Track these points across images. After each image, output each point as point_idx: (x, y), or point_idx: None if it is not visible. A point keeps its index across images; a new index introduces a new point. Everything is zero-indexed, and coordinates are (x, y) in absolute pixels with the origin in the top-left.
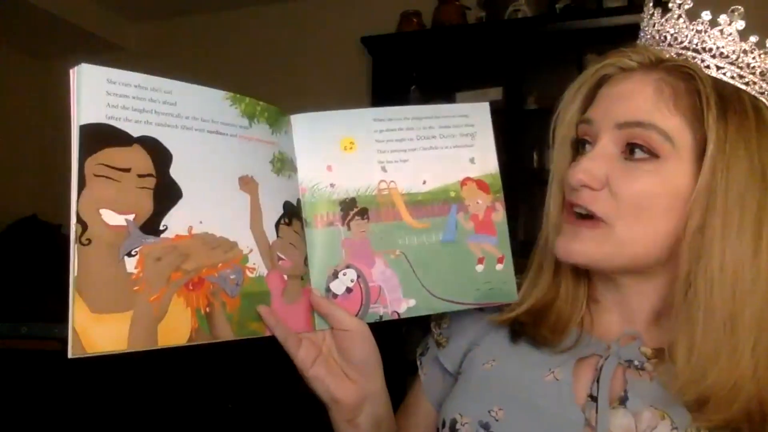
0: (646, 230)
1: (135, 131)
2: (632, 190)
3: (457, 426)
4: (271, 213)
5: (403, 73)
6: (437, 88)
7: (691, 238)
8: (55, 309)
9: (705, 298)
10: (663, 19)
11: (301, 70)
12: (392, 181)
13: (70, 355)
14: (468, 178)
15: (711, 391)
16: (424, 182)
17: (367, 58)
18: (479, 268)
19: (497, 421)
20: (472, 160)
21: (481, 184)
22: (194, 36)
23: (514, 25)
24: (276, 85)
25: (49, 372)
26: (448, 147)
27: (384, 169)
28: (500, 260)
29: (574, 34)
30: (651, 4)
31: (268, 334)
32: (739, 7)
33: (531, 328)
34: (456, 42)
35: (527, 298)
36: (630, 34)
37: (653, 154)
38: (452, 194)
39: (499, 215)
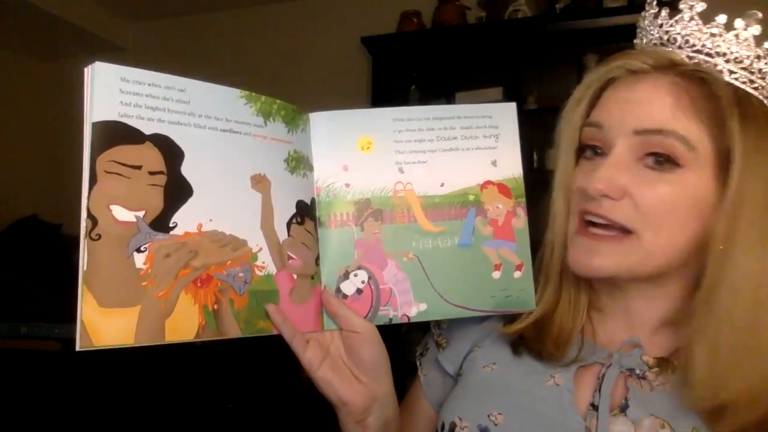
0: (669, 239)
1: (147, 129)
2: (654, 199)
3: (456, 429)
4: (283, 212)
5: (403, 73)
6: (437, 88)
7: (715, 247)
8: (55, 309)
9: (728, 308)
10: (672, 21)
11: (301, 70)
12: (409, 183)
13: (78, 348)
14: (489, 182)
15: (730, 399)
16: (442, 185)
17: (367, 58)
18: (496, 274)
19: (496, 425)
20: (494, 163)
21: (502, 188)
22: (194, 36)
23: (514, 25)
24: (276, 85)
25: (49, 372)
26: (470, 149)
27: (401, 170)
28: (519, 267)
29: (574, 34)
30: (654, 4)
31: (275, 332)
32: (757, 12)
33: (534, 342)
34: (456, 42)
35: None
36: (630, 34)
37: (674, 163)
38: (471, 197)
39: (520, 221)
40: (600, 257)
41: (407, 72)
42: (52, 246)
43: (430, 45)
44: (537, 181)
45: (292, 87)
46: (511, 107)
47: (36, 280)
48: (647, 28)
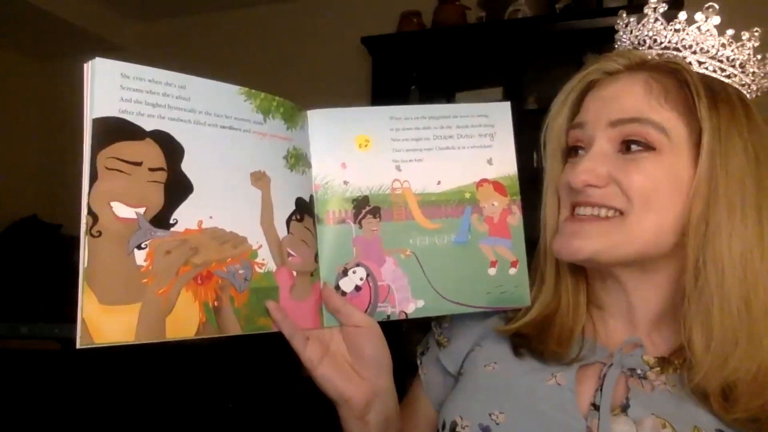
0: (655, 220)
1: (147, 125)
2: (639, 180)
3: (457, 428)
4: (283, 209)
5: (403, 73)
6: (437, 88)
7: (696, 225)
8: (55, 309)
9: (717, 284)
10: (639, 24)
11: (301, 70)
12: (406, 181)
13: (78, 345)
14: (484, 180)
15: (735, 377)
16: (439, 182)
17: (367, 58)
18: (491, 271)
19: (497, 424)
20: (489, 161)
21: (497, 186)
22: (194, 36)
23: (514, 25)
24: (276, 85)
25: (49, 372)
26: (466, 147)
27: (398, 168)
28: (514, 264)
29: (574, 34)
30: (625, 14)
31: (275, 329)
32: (713, 3)
33: (536, 343)
34: (456, 42)
35: (530, 309)
36: None
37: (650, 148)
38: (467, 195)
39: (515, 218)
40: (581, 239)
41: (407, 72)
42: (52, 246)
43: (430, 45)
44: (537, 180)
45: (293, 87)
46: (506, 106)
47: (36, 280)
48: (621, 36)
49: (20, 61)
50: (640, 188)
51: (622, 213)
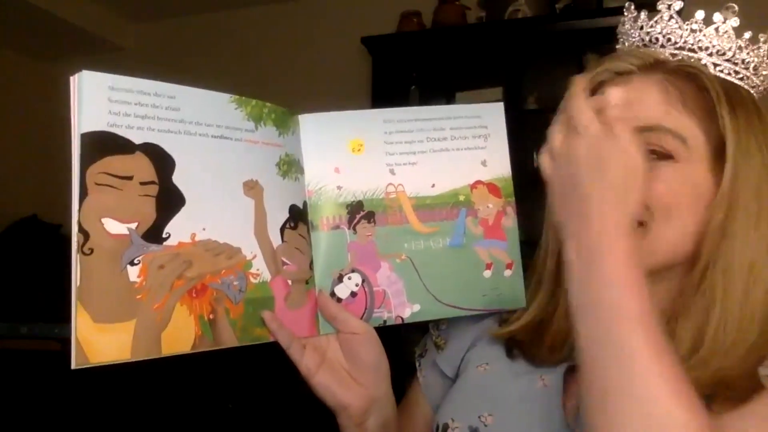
0: (677, 229)
1: (137, 138)
2: (658, 189)
3: (448, 431)
4: (277, 217)
5: (403, 73)
6: (437, 88)
7: (713, 233)
8: (55, 309)
9: (722, 292)
10: (652, 21)
11: (302, 70)
12: (400, 185)
13: (73, 366)
14: (479, 182)
15: (711, 378)
16: (433, 185)
17: (367, 58)
18: (487, 273)
19: (486, 426)
20: (483, 163)
21: (492, 188)
22: (194, 36)
23: (514, 25)
24: (276, 86)
25: (49, 372)
26: (460, 149)
27: (392, 172)
28: (509, 266)
29: (574, 34)
30: (633, 8)
31: (272, 339)
32: (734, 5)
33: (529, 346)
34: (456, 42)
35: (526, 311)
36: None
37: (667, 156)
38: (462, 198)
39: (510, 220)
40: None
41: (407, 72)
42: (52, 246)
43: (430, 45)
44: (537, 181)
45: (292, 87)
46: (499, 107)
47: (36, 280)
48: (628, 31)
49: (20, 61)
50: (660, 198)
51: (641, 224)
